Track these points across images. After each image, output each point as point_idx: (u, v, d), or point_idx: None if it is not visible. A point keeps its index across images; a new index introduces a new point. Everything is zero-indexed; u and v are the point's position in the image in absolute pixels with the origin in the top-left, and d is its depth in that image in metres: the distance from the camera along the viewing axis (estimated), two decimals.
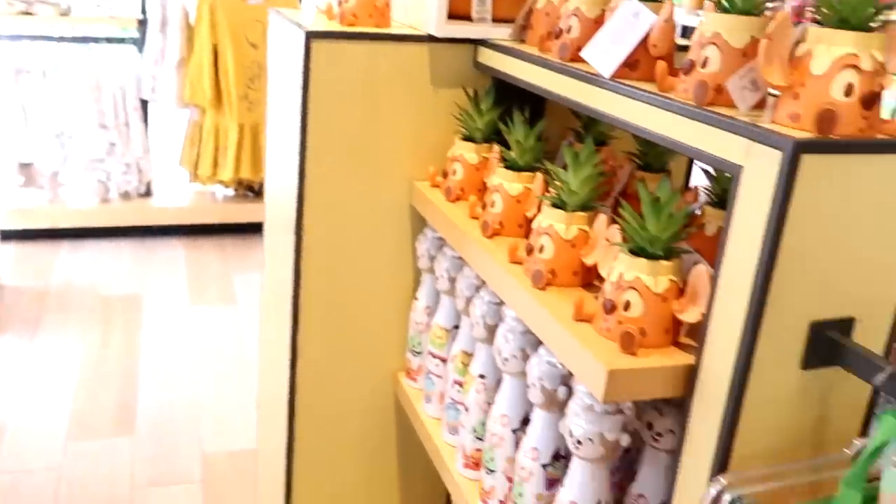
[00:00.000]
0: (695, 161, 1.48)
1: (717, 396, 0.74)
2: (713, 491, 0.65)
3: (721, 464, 0.74)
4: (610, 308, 0.81)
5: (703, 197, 1.04)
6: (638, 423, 0.89)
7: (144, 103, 3.88)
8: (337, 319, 1.36)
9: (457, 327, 1.22)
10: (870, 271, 0.73)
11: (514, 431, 1.02)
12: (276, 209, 1.49)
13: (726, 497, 0.65)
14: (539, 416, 0.96)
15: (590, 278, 0.94)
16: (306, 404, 1.40)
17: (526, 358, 0.97)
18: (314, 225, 1.29)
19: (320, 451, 1.45)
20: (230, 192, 4.16)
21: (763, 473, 0.68)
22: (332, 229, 1.30)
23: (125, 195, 3.93)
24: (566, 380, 0.91)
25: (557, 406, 0.92)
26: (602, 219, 0.91)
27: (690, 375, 0.78)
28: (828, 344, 0.73)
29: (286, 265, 1.35)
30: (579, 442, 0.85)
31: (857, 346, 0.71)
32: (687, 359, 0.79)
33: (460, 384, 1.18)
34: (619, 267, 0.82)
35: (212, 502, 2.27)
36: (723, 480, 0.65)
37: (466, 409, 1.13)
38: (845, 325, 0.74)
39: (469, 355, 1.16)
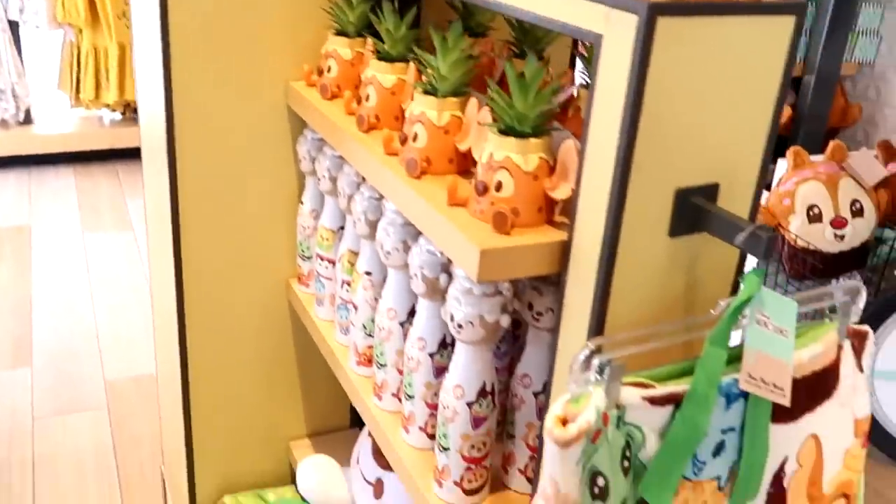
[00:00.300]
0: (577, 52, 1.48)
1: (589, 269, 0.74)
2: (582, 356, 0.65)
3: (596, 335, 0.75)
4: (482, 190, 0.80)
5: (579, 80, 1.04)
6: (519, 303, 0.89)
7: (14, 25, 3.64)
8: (221, 232, 1.32)
9: (343, 228, 1.21)
10: (731, 136, 0.74)
11: (401, 324, 1.02)
12: (147, 124, 1.43)
13: (595, 361, 0.66)
14: (423, 306, 0.95)
15: (466, 165, 0.93)
16: (197, 321, 1.37)
17: (408, 250, 0.96)
18: (186, 135, 1.23)
19: (216, 367, 1.43)
20: (118, 115, 3.99)
21: (633, 336, 0.70)
22: (205, 138, 1.25)
23: (2, 123, 3.72)
24: (446, 267, 0.91)
25: (440, 294, 0.92)
26: (473, 102, 0.89)
27: (564, 251, 0.78)
28: (693, 210, 0.74)
29: (163, 181, 1.30)
30: (460, 326, 0.85)
31: (722, 210, 0.72)
32: (560, 235, 0.79)
33: (348, 283, 1.16)
34: (489, 148, 0.81)
35: (119, 428, 2.24)
36: (591, 345, 0.66)
37: (356, 308, 1.12)
38: (710, 190, 0.75)
39: (355, 254, 1.14)
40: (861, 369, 0.79)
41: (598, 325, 0.75)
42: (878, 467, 2.12)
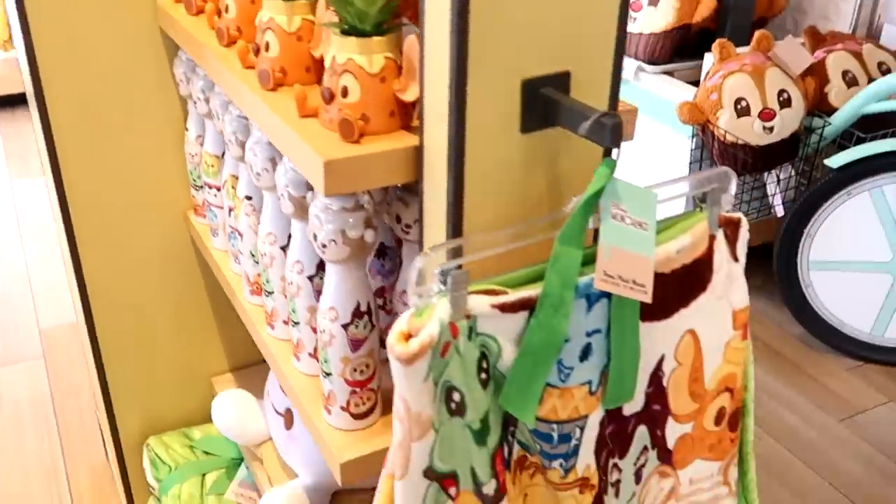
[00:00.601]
0: None
1: (440, 173, 0.70)
2: (418, 265, 0.61)
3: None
4: (328, 97, 0.75)
5: None
6: (388, 217, 0.84)
7: None
8: (105, 167, 1.25)
9: (225, 153, 1.15)
10: (577, 18, 0.68)
11: (282, 249, 0.98)
12: (19, 56, 1.34)
13: (436, 271, 0.62)
14: (297, 228, 0.90)
15: None
16: (93, 261, 1.32)
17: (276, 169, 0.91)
18: (49, 64, 1.16)
19: (122, 307, 1.38)
20: None
21: (480, 240, 0.65)
22: (72, 66, 1.17)
23: None
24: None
25: (308, 213, 0.87)
26: (322, 3, 0.83)
27: (419, 157, 0.73)
28: (545, 103, 0.69)
29: (36, 117, 1.23)
30: (324, 245, 0.81)
31: (568, 99, 0.67)
32: (413, 140, 0.74)
33: (233, 210, 1.11)
34: (332, 51, 0.75)
35: (56, 376, 2.20)
36: (429, 253, 0.62)
37: (241, 236, 1.07)
38: (561, 80, 0.69)
39: (237, 179, 1.09)
40: (736, 259, 0.76)
41: (454, 233, 0.71)
42: (814, 355, 2.14)
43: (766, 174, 2.12)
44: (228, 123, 0.99)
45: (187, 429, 1.51)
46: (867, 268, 2.02)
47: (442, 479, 0.67)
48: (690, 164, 2.18)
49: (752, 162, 2.02)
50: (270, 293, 1.01)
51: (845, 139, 2.03)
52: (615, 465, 0.76)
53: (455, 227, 0.70)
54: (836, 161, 1.92)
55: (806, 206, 2.00)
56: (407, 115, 0.77)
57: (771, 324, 2.26)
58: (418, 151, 0.73)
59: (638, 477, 0.78)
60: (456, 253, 0.69)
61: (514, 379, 0.66)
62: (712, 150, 2.06)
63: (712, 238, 0.74)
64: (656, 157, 2.33)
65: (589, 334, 0.69)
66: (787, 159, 2.05)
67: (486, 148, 0.68)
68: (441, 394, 0.65)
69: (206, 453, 1.46)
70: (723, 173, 0.74)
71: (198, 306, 1.45)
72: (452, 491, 0.68)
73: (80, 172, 1.24)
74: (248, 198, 1.04)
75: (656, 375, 0.75)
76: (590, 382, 0.71)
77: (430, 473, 0.66)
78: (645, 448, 0.78)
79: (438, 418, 0.65)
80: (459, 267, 0.64)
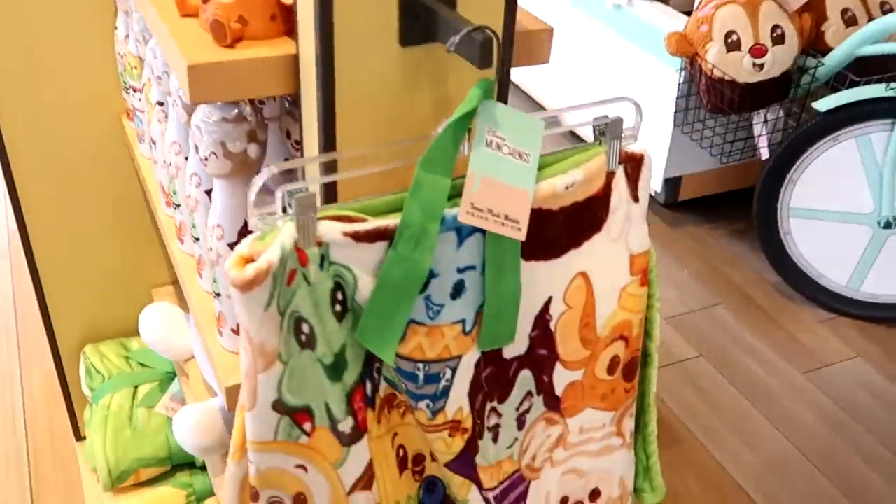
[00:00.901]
0: None
1: (313, 84, 0.64)
2: (258, 184, 0.56)
3: (326, 164, 0.66)
4: None
5: None
6: (281, 133, 0.79)
7: None
8: (37, 69, 1.20)
9: None
10: None
11: (186, 158, 0.92)
12: None
13: (278, 193, 0.57)
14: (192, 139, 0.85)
15: None
16: (26, 171, 1.27)
17: None
18: None
19: (56, 213, 1.34)
20: None
21: (339, 159, 0.60)
22: None
23: None
24: None
25: None
26: None
27: (296, 67, 0.67)
28: (426, 14, 0.62)
29: None
30: (205, 157, 0.75)
31: (451, 12, 0.61)
32: (289, 48, 0.68)
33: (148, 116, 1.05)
34: None
35: (20, 278, 2.18)
36: (273, 169, 0.56)
37: (154, 143, 1.02)
38: None
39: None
40: (637, 199, 0.70)
41: (328, 150, 0.65)
42: (788, 305, 2.09)
43: (753, 114, 2.04)
44: (137, 21, 0.93)
45: (125, 339, 1.48)
46: (848, 218, 1.95)
47: (294, 414, 0.63)
48: (677, 98, 2.09)
49: (739, 100, 1.93)
50: (178, 206, 0.96)
51: (839, 82, 1.93)
52: (493, 409, 0.72)
53: (326, 145, 0.65)
54: (823, 104, 1.83)
55: (790, 150, 1.92)
56: (292, 21, 0.71)
57: (748, 270, 2.20)
58: (297, 60, 0.67)
59: (521, 422, 0.74)
60: (329, 168, 0.64)
61: (372, 313, 0.61)
62: (699, 85, 1.97)
63: (611, 175, 0.68)
64: (642, 90, 2.24)
65: (461, 270, 0.64)
66: (777, 100, 1.96)
67: (358, 59, 0.62)
68: (289, 325, 0.60)
69: (142, 365, 1.44)
70: (627, 103, 0.67)
71: (137, 215, 1.40)
72: (307, 426, 0.64)
73: (8, 73, 1.18)
74: (160, 103, 0.98)
75: (542, 318, 0.70)
76: (463, 321, 0.66)
77: (279, 406, 0.62)
78: (529, 393, 0.73)
79: (286, 350, 0.61)
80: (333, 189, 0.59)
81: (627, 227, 0.70)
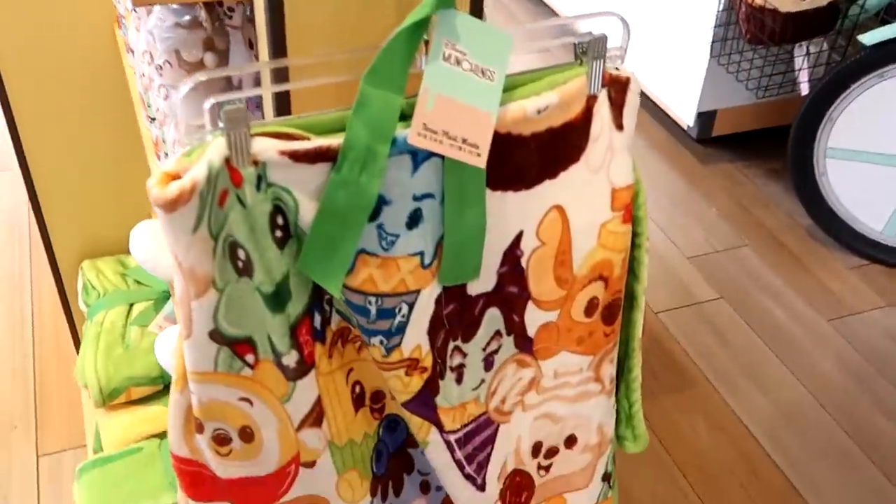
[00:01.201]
0: None
1: None
2: (181, 92, 0.51)
3: (279, 72, 0.60)
4: None
5: None
6: (244, 44, 0.73)
7: None
8: None
9: None
10: None
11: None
12: None
13: (205, 105, 0.51)
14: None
15: None
16: (19, 84, 1.23)
17: None
18: None
19: (52, 127, 1.30)
20: None
21: (293, 66, 0.54)
22: None
23: None
24: None
25: None
26: None
27: None
28: None
29: None
30: (160, 66, 0.70)
31: None
32: None
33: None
34: None
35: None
36: (200, 77, 0.51)
37: (132, 52, 0.97)
38: None
39: None
40: (620, 127, 0.64)
41: (277, 53, 0.59)
42: (818, 249, 2.00)
43: (794, 46, 1.92)
44: None
45: (124, 256, 1.46)
46: (889, 161, 1.85)
47: (234, 345, 0.59)
48: (714, 27, 1.97)
49: (780, 31, 1.81)
50: (153, 119, 0.92)
51: (889, 14, 1.80)
52: (457, 348, 0.67)
53: (276, 51, 0.59)
54: (870, 38, 1.71)
55: (831, 85, 1.81)
56: None
57: (780, 212, 2.11)
58: None
59: (489, 363, 0.69)
60: (280, 76, 0.58)
61: (314, 241, 0.56)
62: (738, 13, 1.86)
63: (591, 100, 0.62)
64: (677, 17, 2.12)
65: (417, 198, 0.58)
66: (822, 32, 1.84)
67: None
68: (224, 249, 0.55)
69: (138, 283, 1.41)
70: (614, 19, 0.60)
71: (133, 129, 1.36)
72: (249, 358, 0.60)
73: None
74: (134, 9, 0.92)
75: (512, 254, 0.65)
76: (421, 254, 0.61)
77: (216, 336, 0.58)
78: (498, 333, 0.68)
79: (221, 277, 0.56)
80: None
81: (609, 158, 0.64)
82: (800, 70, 1.92)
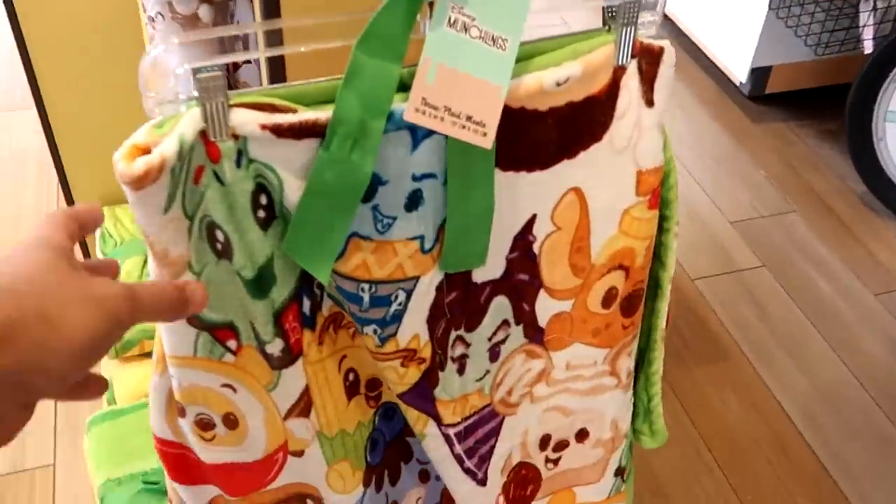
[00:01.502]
0: None
1: None
2: (152, 54, 0.45)
3: (272, 37, 0.54)
4: None
5: None
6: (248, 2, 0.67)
7: None
8: None
9: None
10: None
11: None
12: None
13: (177, 70, 0.46)
14: None
15: None
16: (36, 32, 1.19)
17: None
18: None
19: (70, 75, 1.26)
20: None
21: (286, 28, 0.48)
22: None
23: None
24: None
25: None
26: None
27: None
28: None
29: None
30: (152, 18, 0.65)
31: None
32: None
33: None
34: None
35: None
36: (175, 40, 0.45)
37: (144, 8, 0.91)
38: None
39: None
40: (650, 103, 0.57)
41: (269, 14, 0.54)
42: (870, 217, 1.90)
43: (861, 1, 1.79)
44: None
45: None
46: None
47: (214, 330, 0.55)
48: None
49: None
50: None
51: None
52: (459, 338, 0.62)
53: (267, 13, 0.53)
54: None
55: (892, 48, 1.69)
56: None
57: (832, 176, 2.00)
58: None
59: (494, 354, 0.64)
60: (272, 40, 0.52)
61: (300, 224, 0.51)
62: None
63: (619, 71, 0.55)
64: None
65: (417, 178, 0.53)
66: None
67: None
68: (200, 230, 0.51)
69: None
70: None
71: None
72: (231, 344, 0.56)
73: None
74: None
75: (523, 239, 0.59)
76: (421, 238, 0.55)
77: (194, 321, 0.54)
78: (505, 322, 0.63)
79: (198, 259, 0.51)
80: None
81: (636, 137, 0.57)
82: (864, 26, 1.80)
